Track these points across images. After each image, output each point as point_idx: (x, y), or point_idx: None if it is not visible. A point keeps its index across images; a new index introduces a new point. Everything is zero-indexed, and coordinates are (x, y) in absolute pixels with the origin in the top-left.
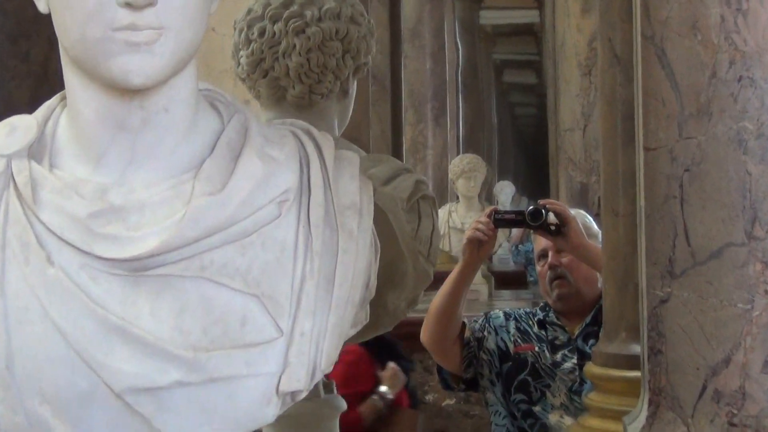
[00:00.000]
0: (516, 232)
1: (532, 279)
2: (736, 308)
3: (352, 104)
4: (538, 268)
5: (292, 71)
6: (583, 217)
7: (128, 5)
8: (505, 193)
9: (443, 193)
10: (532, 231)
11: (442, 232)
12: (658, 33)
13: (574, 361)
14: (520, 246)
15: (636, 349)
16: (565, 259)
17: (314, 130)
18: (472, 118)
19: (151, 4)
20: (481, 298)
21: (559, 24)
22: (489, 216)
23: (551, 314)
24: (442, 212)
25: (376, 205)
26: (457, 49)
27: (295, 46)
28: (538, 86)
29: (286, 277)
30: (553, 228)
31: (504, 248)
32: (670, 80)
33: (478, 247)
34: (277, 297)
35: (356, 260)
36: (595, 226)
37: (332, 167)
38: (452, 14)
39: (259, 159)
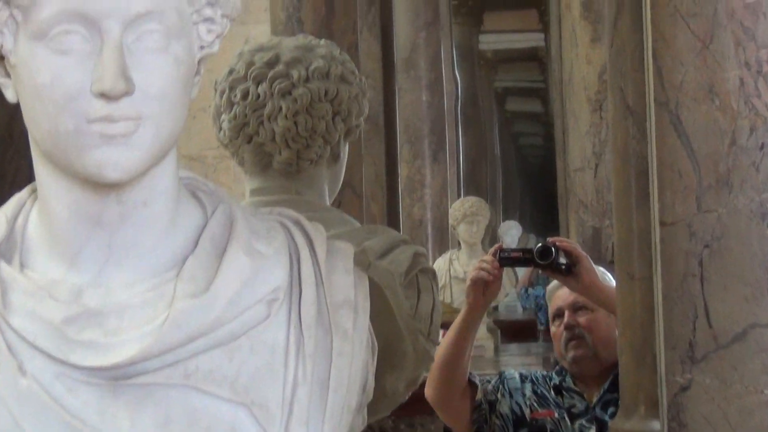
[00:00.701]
0: (524, 274)
1: (542, 327)
2: (762, 395)
3: (344, 169)
4: (553, 329)
5: (278, 136)
6: (602, 274)
7: (103, 96)
8: (511, 234)
9: (443, 238)
10: (540, 271)
11: (442, 283)
12: (672, 98)
13: None
14: (529, 289)
15: (656, 426)
16: (582, 319)
17: (304, 221)
18: (473, 151)
19: (127, 93)
20: (487, 354)
21: (567, 53)
22: (494, 254)
23: (567, 379)
24: (442, 261)
25: (371, 280)
26: (456, 78)
27: (281, 108)
28: (544, 115)
29: (277, 383)
30: (563, 267)
31: (511, 296)
32: (686, 149)
33: (484, 289)
34: (268, 405)
35: (352, 363)
36: (613, 282)
37: (324, 261)
38: (449, 40)
39: (246, 255)
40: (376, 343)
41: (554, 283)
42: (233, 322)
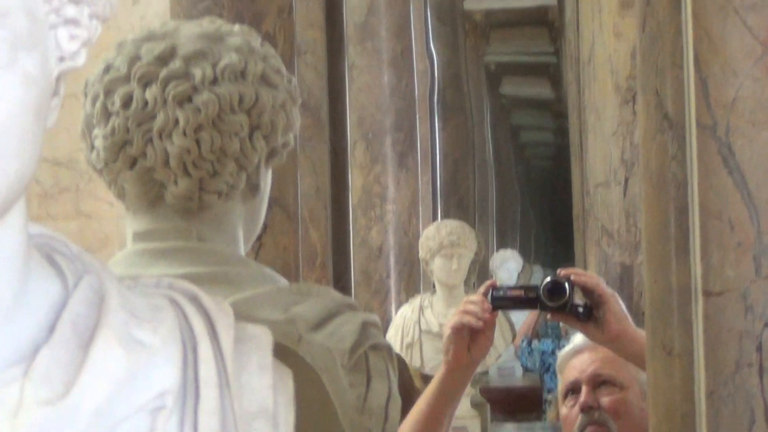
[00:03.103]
0: (525, 321)
1: (551, 396)
2: None
3: (265, 204)
4: (564, 409)
5: (173, 159)
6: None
7: None
8: (508, 268)
9: (411, 275)
10: (549, 316)
11: (409, 339)
12: (721, 121)
13: None
14: (533, 343)
15: None
16: (606, 399)
17: (203, 297)
18: (456, 153)
19: None
20: None
21: (586, 20)
22: (485, 293)
23: None
24: (410, 309)
25: (302, 363)
26: (431, 52)
27: (177, 121)
28: (555, 102)
29: None
30: (581, 310)
31: (507, 354)
32: (740, 190)
33: (469, 343)
34: None
35: None
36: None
37: (231, 355)
38: None
39: (121, 346)
40: None
41: (571, 346)
42: None
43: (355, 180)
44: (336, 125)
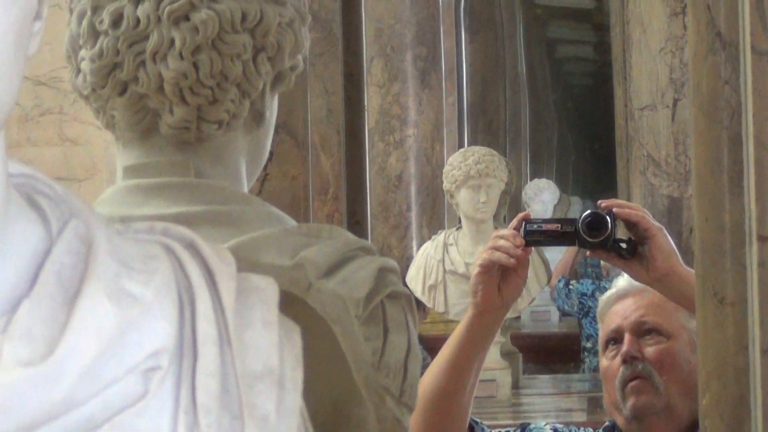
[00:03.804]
0: (562, 259)
1: (590, 345)
2: None
3: (271, 135)
4: (605, 361)
5: (168, 84)
6: None
7: None
8: (543, 200)
9: (434, 208)
10: (589, 253)
11: (432, 280)
12: None
13: None
14: (572, 284)
15: None
16: (651, 349)
17: (201, 244)
18: (485, 71)
19: None
20: (501, 393)
21: None
22: (518, 226)
23: None
24: (432, 246)
25: (312, 313)
26: None
27: (173, 42)
28: (596, 13)
29: None
30: (624, 246)
31: (542, 297)
32: None
33: (499, 282)
34: None
35: None
36: None
37: (233, 308)
38: None
39: (111, 300)
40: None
41: (614, 290)
42: (90, 402)
43: (371, 101)
44: (350, 39)
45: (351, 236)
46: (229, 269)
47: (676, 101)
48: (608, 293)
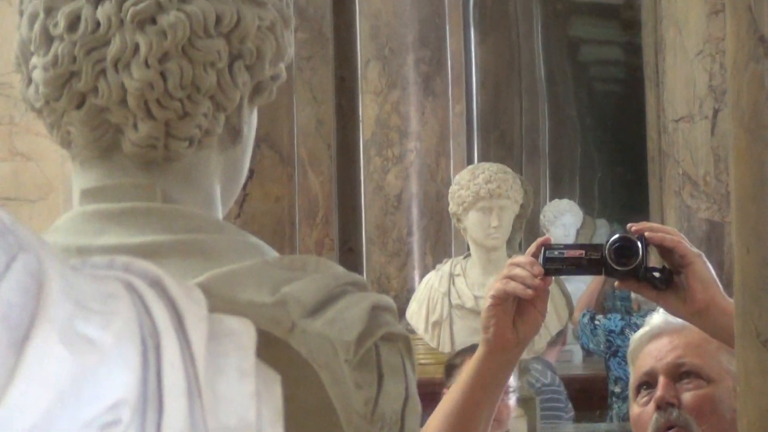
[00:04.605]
0: (587, 291)
1: (618, 388)
2: None
3: (249, 153)
4: (635, 408)
5: (132, 96)
6: None
7: None
8: (564, 224)
9: (440, 232)
10: (617, 284)
11: (437, 316)
12: None
13: None
14: (597, 318)
15: None
16: (689, 395)
17: (168, 281)
18: (498, 74)
19: None
20: None
21: None
22: (535, 253)
23: None
24: (436, 277)
25: (296, 357)
26: None
27: (138, 47)
28: (625, 8)
29: None
30: (657, 276)
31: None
32: None
33: (514, 316)
34: None
35: None
36: None
37: (203, 355)
38: None
39: (65, 345)
40: None
41: (646, 328)
42: None
43: (367, 110)
44: (342, 40)
45: (340, 269)
46: (200, 310)
47: (716, 111)
48: (640, 331)
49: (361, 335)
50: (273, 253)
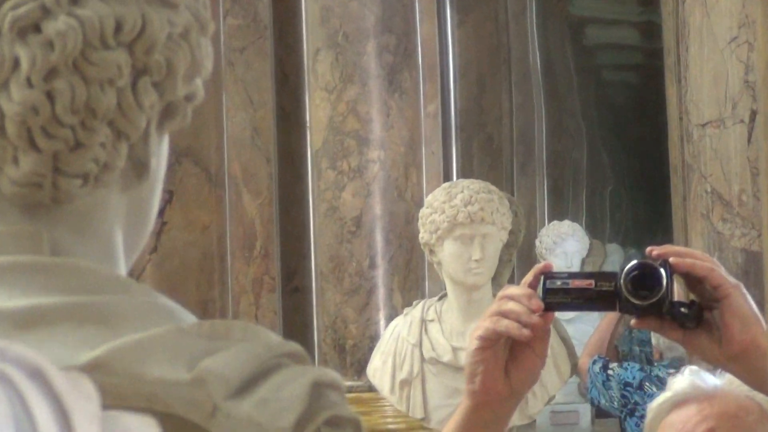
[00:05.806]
0: (598, 330)
1: None
2: None
3: (159, 192)
4: None
5: (12, 123)
6: None
7: None
8: (566, 251)
9: (410, 269)
10: (634, 321)
11: (405, 373)
12: None
13: None
14: (611, 368)
15: None
16: None
17: (52, 373)
18: (482, 64)
19: None
20: None
21: None
22: (533, 284)
23: None
24: (405, 323)
25: None
26: None
27: (18, 62)
28: None
29: None
30: (685, 312)
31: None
32: None
33: (507, 362)
34: None
35: None
36: None
37: None
38: None
39: None
40: None
41: (670, 393)
42: None
43: (316, 112)
44: (284, 25)
45: (274, 337)
46: (91, 407)
47: (754, 114)
48: (661, 398)
49: (300, 420)
50: (190, 318)
